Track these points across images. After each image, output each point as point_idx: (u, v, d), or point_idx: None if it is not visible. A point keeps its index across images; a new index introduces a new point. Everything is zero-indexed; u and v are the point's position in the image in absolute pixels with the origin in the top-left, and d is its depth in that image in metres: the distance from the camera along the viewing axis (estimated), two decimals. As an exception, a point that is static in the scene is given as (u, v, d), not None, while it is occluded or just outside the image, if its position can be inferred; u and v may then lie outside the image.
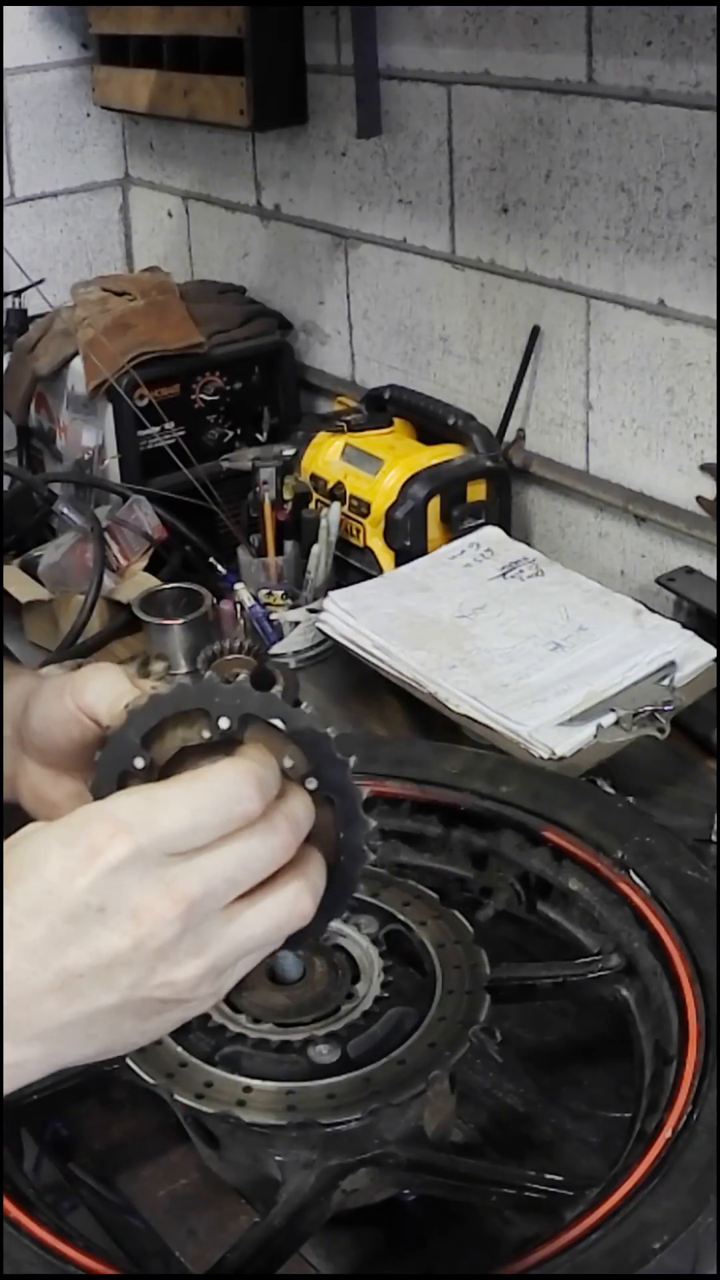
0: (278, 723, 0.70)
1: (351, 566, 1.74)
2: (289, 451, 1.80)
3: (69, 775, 0.82)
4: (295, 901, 0.67)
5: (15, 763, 0.85)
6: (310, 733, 0.70)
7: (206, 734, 0.70)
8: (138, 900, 0.61)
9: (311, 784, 0.71)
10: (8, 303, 2.19)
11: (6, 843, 0.64)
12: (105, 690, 0.77)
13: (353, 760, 0.72)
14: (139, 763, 0.71)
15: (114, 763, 0.72)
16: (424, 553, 1.68)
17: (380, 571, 1.70)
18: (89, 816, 0.63)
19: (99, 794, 0.71)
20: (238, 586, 1.68)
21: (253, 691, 0.70)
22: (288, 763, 0.70)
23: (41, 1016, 0.61)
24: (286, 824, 0.66)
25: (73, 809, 0.78)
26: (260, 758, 0.67)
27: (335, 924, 0.97)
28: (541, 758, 1.29)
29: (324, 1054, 0.89)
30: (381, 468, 1.74)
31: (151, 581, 1.74)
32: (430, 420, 1.82)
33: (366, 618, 1.52)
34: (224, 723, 0.70)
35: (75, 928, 0.61)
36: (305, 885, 0.67)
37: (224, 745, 0.70)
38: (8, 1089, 0.62)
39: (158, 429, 1.95)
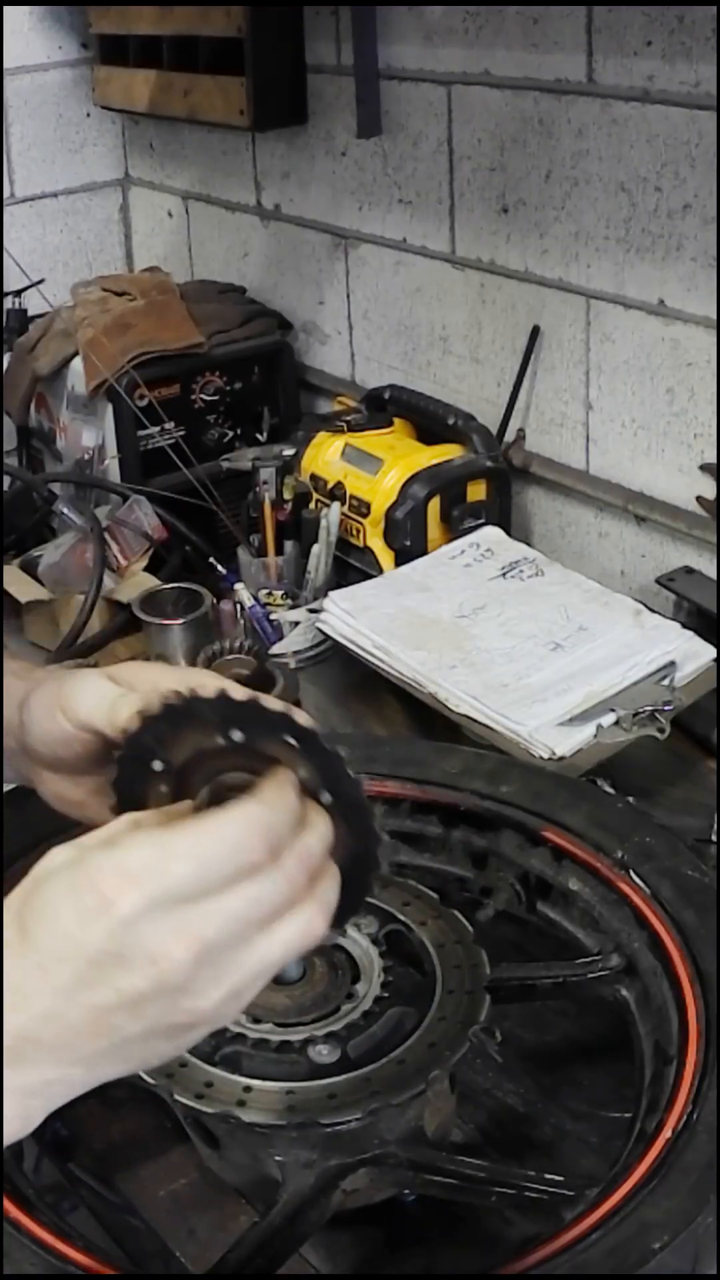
0: (291, 741, 0.71)
1: (351, 566, 1.74)
2: (289, 451, 1.80)
3: (86, 775, 0.85)
4: (309, 925, 0.69)
5: (29, 770, 0.88)
6: (324, 750, 0.71)
7: (220, 740, 0.72)
8: (153, 946, 0.64)
9: (326, 798, 0.72)
10: (8, 303, 2.19)
11: (33, 872, 0.67)
12: (96, 702, 0.80)
13: (363, 778, 0.73)
14: (157, 766, 0.74)
15: (133, 763, 0.75)
16: (424, 553, 1.68)
17: (380, 571, 1.70)
18: (99, 867, 0.65)
19: (122, 797, 0.75)
20: (238, 586, 1.68)
21: (266, 709, 0.71)
22: (303, 774, 0.71)
23: (80, 1046, 0.65)
24: (297, 864, 0.68)
25: (96, 805, 0.84)
26: (273, 799, 0.68)
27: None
28: (541, 758, 1.29)
29: (324, 1054, 0.89)
30: (381, 468, 1.74)
31: (151, 581, 1.74)
32: (430, 420, 1.81)
33: (366, 618, 1.52)
34: (236, 735, 0.71)
35: (99, 971, 0.64)
36: (318, 908, 0.69)
37: (239, 751, 0.71)
38: (57, 1103, 0.67)
39: (158, 429, 1.95)
